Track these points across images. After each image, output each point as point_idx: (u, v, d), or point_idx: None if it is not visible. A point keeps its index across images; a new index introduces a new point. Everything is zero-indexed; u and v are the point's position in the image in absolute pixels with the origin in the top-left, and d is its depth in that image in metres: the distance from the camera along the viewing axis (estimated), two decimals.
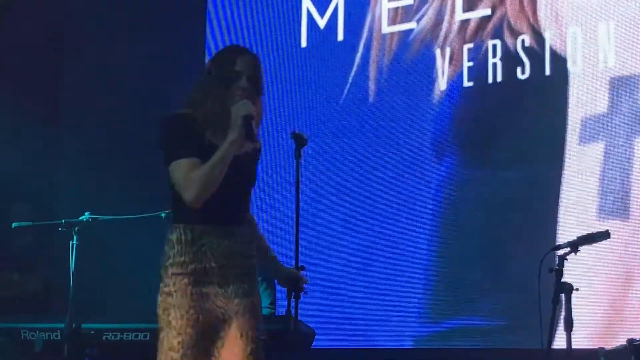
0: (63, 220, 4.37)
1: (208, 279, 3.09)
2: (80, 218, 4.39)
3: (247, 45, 6.00)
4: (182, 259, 3.07)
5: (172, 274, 3.06)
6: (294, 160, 4.28)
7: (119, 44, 6.17)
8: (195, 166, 3.05)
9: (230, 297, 3.10)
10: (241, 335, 3.08)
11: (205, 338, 3.06)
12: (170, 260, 3.08)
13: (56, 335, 4.29)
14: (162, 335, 3.06)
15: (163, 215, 4.50)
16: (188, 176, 3.04)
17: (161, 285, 3.09)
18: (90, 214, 4.41)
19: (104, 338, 4.26)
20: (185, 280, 3.05)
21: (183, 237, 3.08)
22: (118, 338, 4.27)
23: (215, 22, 6.18)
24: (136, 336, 4.24)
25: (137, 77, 6.14)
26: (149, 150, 6.03)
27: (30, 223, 4.62)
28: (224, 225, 3.13)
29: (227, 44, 6.10)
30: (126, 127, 6.14)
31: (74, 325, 4.20)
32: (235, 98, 3.13)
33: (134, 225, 4.79)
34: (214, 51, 6.13)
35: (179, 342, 3.03)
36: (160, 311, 3.08)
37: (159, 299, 3.09)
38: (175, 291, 3.05)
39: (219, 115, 3.12)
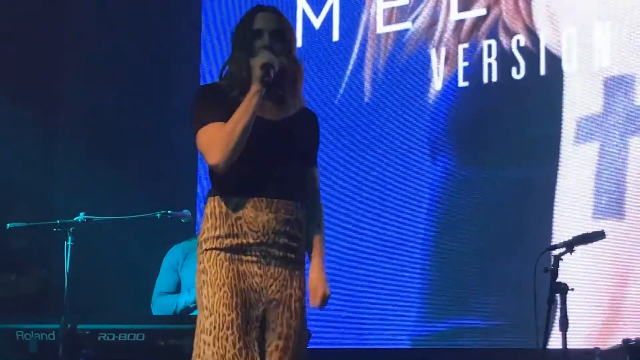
0: (58, 221, 4.36)
1: (245, 257, 2.83)
2: (75, 219, 4.38)
3: None
4: (217, 233, 2.83)
5: (205, 250, 2.83)
6: None
7: (117, 46, 6.17)
8: (220, 130, 2.84)
9: (267, 281, 2.85)
10: (274, 331, 2.84)
11: (243, 319, 2.79)
12: (204, 235, 2.85)
13: (51, 336, 4.28)
14: (200, 316, 2.81)
15: (159, 215, 4.49)
16: (210, 139, 2.84)
17: (197, 266, 2.86)
18: (85, 215, 4.40)
19: (99, 339, 4.24)
20: (221, 255, 2.81)
21: (217, 210, 2.84)
22: (113, 339, 4.26)
23: (210, 22, 6.18)
24: (131, 337, 4.23)
25: (134, 79, 6.14)
26: (145, 151, 6.05)
27: (25, 224, 4.61)
28: (264, 197, 2.86)
29: (222, 43, 6.10)
30: (123, 128, 6.14)
31: (69, 325, 4.19)
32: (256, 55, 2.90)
33: (129, 226, 4.78)
34: (209, 51, 6.14)
35: (210, 323, 2.76)
36: (197, 293, 2.84)
37: (196, 277, 2.86)
38: (209, 267, 2.80)
39: (245, 79, 2.90)
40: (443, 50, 5.36)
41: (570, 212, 4.85)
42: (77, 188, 5.87)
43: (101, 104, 6.18)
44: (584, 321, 4.62)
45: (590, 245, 3.95)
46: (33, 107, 6.04)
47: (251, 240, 2.83)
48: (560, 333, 3.73)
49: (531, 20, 5.09)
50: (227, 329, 2.75)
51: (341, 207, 5.53)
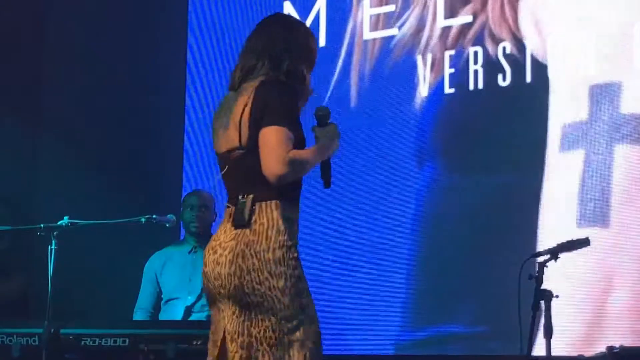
0: (42, 225, 4.34)
1: None
2: (59, 222, 4.36)
3: (228, 51, 6.03)
4: (295, 241, 2.87)
5: (297, 257, 2.83)
6: None
7: (101, 48, 6.15)
8: (292, 142, 2.82)
9: None
10: None
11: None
12: (293, 241, 2.84)
13: (34, 341, 4.26)
14: (291, 325, 2.77)
15: (143, 220, 4.47)
16: (291, 150, 2.80)
17: (281, 268, 2.78)
18: (69, 219, 4.38)
19: (82, 343, 4.23)
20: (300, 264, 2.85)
21: (293, 216, 2.88)
22: (97, 343, 4.24)
23: (195, 24, 6.16)
24: (115, 342, 4.21)
25: (118, 82, 6.12)
26: (130, 156, 6.03)
27: (9, 227, 4.59)
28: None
29: (208, 45, 6.09)
30: (108, 132, 6.12)
31: (52, 330, 4.17)
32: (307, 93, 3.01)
33: (114, 230, 4.77)
34: (195, 53, 6.13)
35: (316, 334, 2.81)
36: (286, 299, 2.76)
37: (284, 284, 2.77)
38: (302, 274, 2.83)
39: (306, 99, 3.01)
40: (429, 57, 5.36)
41: (555, 220, 4.86)
42: (61, 192, 5.84)
43: (85, 106, 6.16)
44: (569, 328, 4.62)
45: (574, 253, 3.96)
46: (16, 110, 6.02)
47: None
48: (544, 340, 3.73)
49: (517, 28, 5.10)
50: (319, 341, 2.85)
51: (327, 212, 5.52)
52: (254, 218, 2.82)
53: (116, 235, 5.13)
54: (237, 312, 2.81)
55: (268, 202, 2.84)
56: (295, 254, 2.82)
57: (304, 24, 3.19)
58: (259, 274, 2.77)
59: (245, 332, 2.78)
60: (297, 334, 2.75)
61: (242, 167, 2.87)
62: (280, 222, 2.82)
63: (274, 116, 2.82)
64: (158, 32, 6.09)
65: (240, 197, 2.87)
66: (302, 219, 5.51)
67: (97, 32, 6.19)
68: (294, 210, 2.89)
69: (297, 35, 3.04)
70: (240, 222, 2.83)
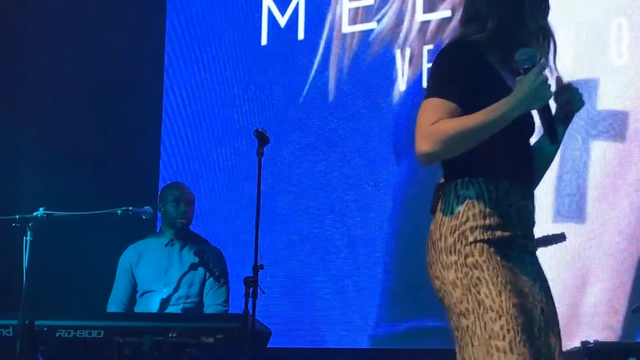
0: (17, 216, 4.31)
1: (509, 251, 2.45)
2: (34, 214, 4.34)
3: (207, 43, 6.02)
4: (487, 222, 2.42)
5: (476, 241, 2.41)
6: (256, 158, 4.27)
7: (80, 40, 6.12)
8: (447, 113, 2.41)
9: (531, 279, 2.47)
10: (553, 333, 2.46)
11: (532, 322, 2.40)
12: (471, 223, 2.42)
13: (8, 332, 4.23)
14: (468, 322, 2.40)
15: (119, 212, 4.45)
16: (433, 124, 2.39)
17: (452, 257, 2.44)
18: (45, 210, 4.36)
19: (57, 335, 4.21)
20: (492, 249, 2.41)
21: (487, 195, 2.43)
22: (71, 335, 4.22)
23: (174, 14, 6.14)
24: (90, 334, 4.19)
25: (97, 72, 6.09)
26: (107, 147, 6.01)
27: None
28: (527, 186, 2.52)
29: (187, 40, 6.07)
30: (85, 124, 6.09)
31: (26, 321, 4.15)
32: (530, 39, 2.48)
33: (90, 221, 4.75)
34: (175, 44, 6.11)
35: (502, 327, 2.34)
36: (458, 291, 2.42)
37: (452, 276, 2.43)
38: (483, 262, 2.39)
39: (512, 40, 2.48)
40: (408, 51, 5.37)
41: None
42: (37, 183, 5.82)
43: (62, 98, 6.13)
44: None
45: (550, 248, 3.97)
46: None
47: (519, 232, 2.48)
48: None
49: None
50: (523, 332, 2.35)
51: (305, 206, 5.52)
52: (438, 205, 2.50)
53: (92, 227, 5.11)
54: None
55: (461, 179, 2.48)
56: (472, 238, 2.42)
57: None
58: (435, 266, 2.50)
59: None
60: (477, 331, 2.40)
61: None
62: (464, 202, 2.45)
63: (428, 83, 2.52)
64: (136, 23, 6.06)
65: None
66: (280, 214, 5.56)
67: (76, 23, 6.16)
68: (477, 189, 2.45)
69: None
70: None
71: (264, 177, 4.30)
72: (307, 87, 5.64)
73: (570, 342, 4.37)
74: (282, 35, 5.78)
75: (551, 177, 4.84)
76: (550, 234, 3.99)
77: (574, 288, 4.72)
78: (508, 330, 2.35)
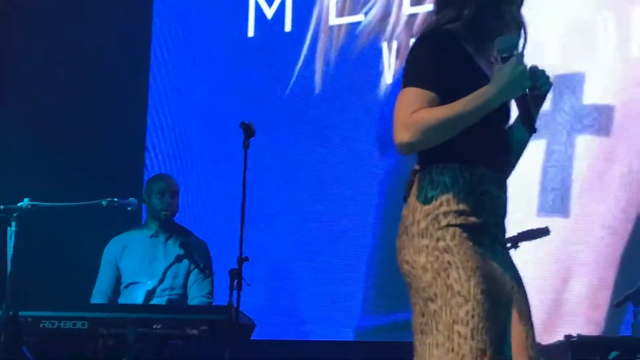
0: (2, 206, 4.30)
1: (481, 239, 2.42)
2: (19, 204, 4.33)
3: (193, 34, 6.00)
4: (461, 207, 2.40)
5: (449, 225, 2.39)
6: (242, 151, 4.27)
7: (64, 30, 6.09)
8: (427, 102, 2.40)
9: (502, 267, 2.44)
10: (521, 318, 2.43)
11: (500, 309, 2.37)
12: (444, 208, 2.41)
13: None
14: (435, 306, 2.38)
15: (104, 203, 4.45)
16: (413, 113, 2.39)
17: (424, 241, 2.41)
18: (30, 200, 4.35)
19: (41, 326, 4.20)
20: (465, 234, 2.39)
21: (461, 180, 2.42)
22: (55, 326, 4.22)
23: (160, 6, 6.12)
24: (74, 324, 4.19)
25: (82, 63, 6.07)
26: (92, 138, 5.99)
27: None
28: (501, 173, 2.50)
29: (174, 31, 6.05)
30: (70, 114, 6.07)
31: (10, 312, 4.14)
32: (506, 28, 2.47)
33: (75, 212, 4.74)
34: (158, 33, 6.09)
35: (467, 312, 2.32)
36: (428, 275, 2.39)
37: (423, 260, 2.41)
38: (454, 246, 2.37)
39: (488, 29, 2.48)
40: (395, 44, 5.36)
41: (516, 209, 4.86)
42: (22, 173, 5.79)
43: (46, 88, 6.10)
44: None
45: (534, 242, 3.98)
46: None
47: (490, 221, 2.45)
48: None
49: None
50: (487, 319, 2.33)
51: (291, 199, 5.52)
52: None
53: (77, 218, 5.10)
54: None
55: (437, 164, 2.47)
56: (444, 222, 2.40)
57: None
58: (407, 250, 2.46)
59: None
60: (442, 315, 2.37)
61: None
62: (438, 187, 2.44)
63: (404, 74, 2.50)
64: (123, 13, 6.04)
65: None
66: (266, 206, 5.55)
67: (59, 14, 6.13)
68: (452, 174, 2.44)
69: None
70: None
71: (249, 170, 4.30)
72: (293, 79, 5.63)
73: (554, 335, 4.39)
74: (269, 26, 5.77)
75: (536, 171, 4.86)
76: (534, 228, 4.00)
77: (558, 282, 4.74)
78: (472, 316, 2.33)
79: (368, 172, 5.36)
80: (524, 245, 3.91)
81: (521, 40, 2.56)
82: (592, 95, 4.79)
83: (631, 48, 4.79)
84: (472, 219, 2.42)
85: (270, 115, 5.63)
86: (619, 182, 4.71)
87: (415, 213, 2.47)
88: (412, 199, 2.51)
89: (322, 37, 5.60)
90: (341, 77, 5.51)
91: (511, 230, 4.09)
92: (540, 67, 2.55)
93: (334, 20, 5.58)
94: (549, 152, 4.83)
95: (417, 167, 2.55)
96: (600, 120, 4.76)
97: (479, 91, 2.42)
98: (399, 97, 2.47)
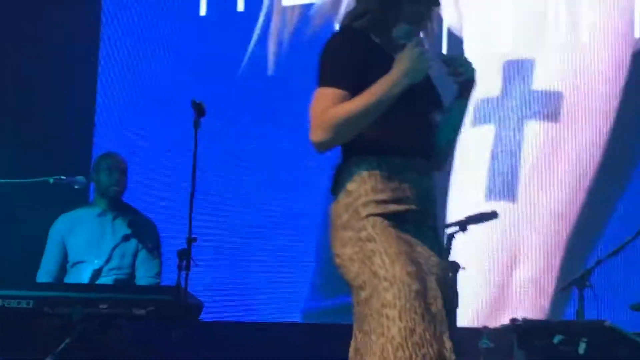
0: None
1: (406, 225, 2.48)
2: None
3: (145, 11, 5.94)
4: (380, 197, 2.47)
5: (368, 215, 2.45)
6: (192, 130, 4.23)
7: (13, 6, 6.00)
8: (338, 100, 2.49)
9: (427, 251, 2.50)
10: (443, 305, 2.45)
11: (426, 290, 2.41)
12: (363, 199, 2.47)
13: None
14: (365, 294, 2.42)
15: (51, 180, 4.39)
16: (322, 113, 2.50)
17: (347, 233, 2.47)
18: None
19: None
20: (386, 222, 2.44)
21: (378, 171, 2.49)
22: (0, 304, 4.16)
23: None
24: (18, 303, 4.13)
25: (30, 39, 5.98)
26: (40, 115, 5.91)
27: None
28: (425, 160, 2.56)
29: (124, 8, 5.98)
30: (17, 90, 5.99)
31: None
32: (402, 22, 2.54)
33: (21, 189, 4.68)
34: (111, 18, 6.01)
35: (394, 295, 2.37)
36: (355, 265, 2.45)
37: (349, 251, 2.46)
38: (376, 235, 2.43)
39: (390, 21, 2.56)
40: None
41: (465, 192, 4.92)
42: None
43: None
44: (474, 300, 4.70)
45: (482, 226, 4.01)
46: None
47: (414, 207, 2.50)
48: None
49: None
50: (414, 299, 2.37)
51: (244, 180, 5.50)
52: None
53: (24, 196, 5.04)
54: None
55: (356, 157, 2.55)
56: (365, 213, 2.46)
57: None
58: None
59: None
60: (372, 301, 2.41)
61: None
62: (357, 179, 2.51)
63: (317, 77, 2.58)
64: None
65: None
66: (216, 187, 5.52)
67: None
68: (367, 166, 2.51)
69: None
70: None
71: (200, 149, 4.27)
72: (246, 59, 5.60)
73: (500, 319, 4.43)
74: (221, 5, 5.72)
75: (485, 156, 4.89)
76: (482, 211, 4.03)
77: (504, 266, 4.78)
78: (399, 298, 2.38)
79: (318, 155, 5.34)
80: (471, 228, 3.93)
81: (421, 31, 2.66)
82: (542, 81, 4.83)
83: (580, 35, 4.83)
84: (393, 207, 2.48)
85: (222, 95, 5.60)
86: (566, 168, 4.76)
87: (338, 207, 2.54)
88: (336, 192, 2.58)
89: (276, 17, 5.57)
90: (294, 59, 5.49)
91: (459, 213, 4.13)
92: (462, 55, 2.68)
93: (287, 1, 5.55)
94: (498, 137, 4.86)
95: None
96: (549, 106, 4.80)
97: (382, 79, 2.49)
98: (312, 98, 2.56)
